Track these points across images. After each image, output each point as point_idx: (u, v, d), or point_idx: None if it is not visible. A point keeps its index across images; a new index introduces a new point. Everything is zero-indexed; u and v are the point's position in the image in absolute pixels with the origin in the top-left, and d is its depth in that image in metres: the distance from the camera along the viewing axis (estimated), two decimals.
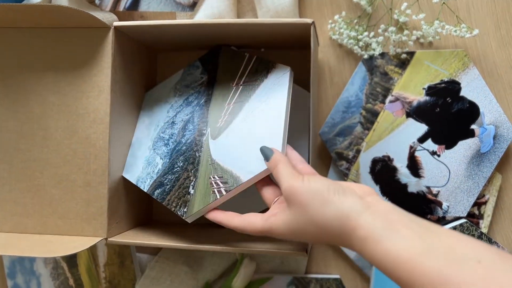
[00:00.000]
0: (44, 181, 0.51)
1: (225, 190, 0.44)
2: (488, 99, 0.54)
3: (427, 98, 0.56)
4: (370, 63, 0.57)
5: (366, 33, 0.57)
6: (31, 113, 0.52)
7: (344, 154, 0.58)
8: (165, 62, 0.64)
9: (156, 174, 0.51)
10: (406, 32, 0.56)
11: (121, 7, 0.64)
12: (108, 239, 0.50)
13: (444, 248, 0.30)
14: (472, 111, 0.55)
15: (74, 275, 0.64)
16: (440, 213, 0.55)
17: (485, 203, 0.56)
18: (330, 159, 0.60)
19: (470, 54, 0.57)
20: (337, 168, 0.59)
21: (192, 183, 0.47)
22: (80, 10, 0.47)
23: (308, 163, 0.47)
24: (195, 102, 0.53)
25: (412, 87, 0.56)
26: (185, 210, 0.46)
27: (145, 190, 0.51)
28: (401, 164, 0.56)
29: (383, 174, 0.57)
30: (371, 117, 0.57)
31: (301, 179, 0.37)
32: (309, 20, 0.46)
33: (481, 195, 0.56)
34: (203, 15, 0.59)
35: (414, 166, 0.56)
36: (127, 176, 0.53)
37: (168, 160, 0.51)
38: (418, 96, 0.56)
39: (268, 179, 0.45)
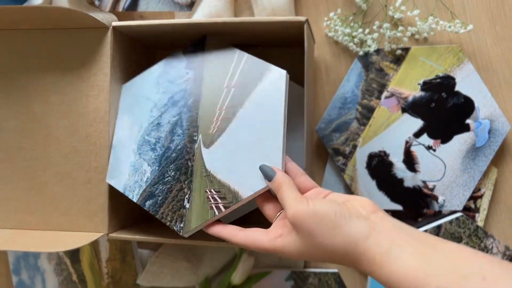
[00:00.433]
0: (46, 179, 0.53)
1: (224, 207, 0.43)
2: (483, 93, 0.55)
3: (423, 93, 0.56)
4: (365, 60, 0.58)
5: (360, 30, 0.57)
6: (32, 113, 0.53)
7: (340, 150, 0.58)
8: None
9: (145, 183, 0.48)
10: (400, 28, 0.56)
11: (120, 8, 0.65)
12: (110, 234, 0.51)
13: (449, 265, 0.31)
14: (467, 106, 0.55)
15: (77, 271, 0.66)
16: (436, 207, 0.55)
17: (481, 197, 0.57)
18: (327, 155, 0.60)
19: (465, 49, 0.57)
20: (334, 164, 0.59)
21: (187, 196, 0.45)
22: (80, 11, 0.48)
23: (303, 159, 0.48)
24: (181, 103, 0.49)
25: (407, 82, 0.57)
26: (181, 225, 0.44)
27: (135, 200, 0.48)
28: (397, 159, 0.57)
29: (380, 169, 0.57)
30: (367, 113, 0.58)
31: (306, 203, 0.37)
32: (302, 18, 0.46)
33: (477, 189, 0.56)
34: (201, 14, 0.60)
35: (410, 161, 0.56)
36: (111, 182, 0.50)
37: (157, 168, 0.48)
38: (413, 92, 0.57)
39: (268, 194, 0.44)
